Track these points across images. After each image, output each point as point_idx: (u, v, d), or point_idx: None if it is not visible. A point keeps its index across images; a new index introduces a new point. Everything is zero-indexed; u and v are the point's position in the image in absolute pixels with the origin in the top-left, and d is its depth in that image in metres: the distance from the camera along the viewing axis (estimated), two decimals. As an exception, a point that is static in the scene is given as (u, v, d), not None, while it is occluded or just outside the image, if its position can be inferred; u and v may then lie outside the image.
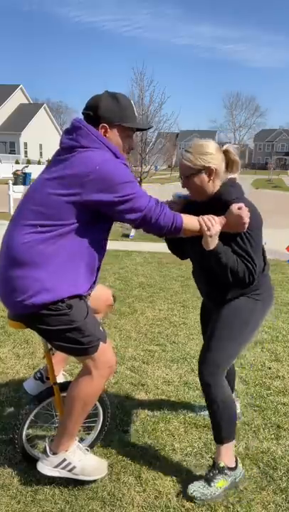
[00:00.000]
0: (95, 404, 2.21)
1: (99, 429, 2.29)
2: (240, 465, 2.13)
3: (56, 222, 1.73)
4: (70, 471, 2.00)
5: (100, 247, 1.88)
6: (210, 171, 1.93)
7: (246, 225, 1.86)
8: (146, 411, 2.72)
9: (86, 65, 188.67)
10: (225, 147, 1.99)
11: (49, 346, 2.05)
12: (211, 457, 2.30)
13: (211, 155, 1.92)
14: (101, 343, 1.88)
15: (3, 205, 13.20)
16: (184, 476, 2.17)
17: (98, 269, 1.93)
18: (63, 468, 1.99)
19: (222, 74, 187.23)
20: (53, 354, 2.15)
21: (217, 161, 1.93)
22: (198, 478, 2.09)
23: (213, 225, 1.85)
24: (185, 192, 2.12)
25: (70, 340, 1.82)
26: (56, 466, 1.99)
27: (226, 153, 1.98)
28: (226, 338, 2.00)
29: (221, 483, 2.00)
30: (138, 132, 11.06)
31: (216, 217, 1.88)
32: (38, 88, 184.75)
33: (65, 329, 1.80)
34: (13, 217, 1.88)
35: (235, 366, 2.60)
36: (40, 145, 50.48)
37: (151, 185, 27.49)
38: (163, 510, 1.97)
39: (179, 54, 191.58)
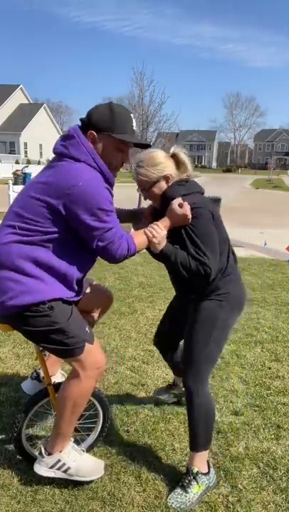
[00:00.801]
0: (95, 406, 2.21)
1: (99, 430, 2.29)
2: (212, 469, 2.13)
3: (34, 227, 1.73)
4: (64, 471, 2.01)
5: (82, 260, 1.87)
6: (166, 178, 2.02)
7: (189, 218, 1.91)
8: (146, 411, 2.72)
9: (86, 65, 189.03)
10: (172, 151, 2.06)
11: (41, 348, 2.05)
12: (211, 456, 2.30)
13: (163, 164, 2.01)
14: (88, 344, 1.87)
15: (3, 205, 13.19)
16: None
17: (82, 280, 1.94)
18: (58, 469, 2.00)
19: (222, 74, 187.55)
20: (45, 355, 2.15)
21: (169, 167, 2.02)
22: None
23: (158, 231, 1.92)
24: None
25: (54, 342, 1.82)
26: (51, 467, 2.00)
27: (174, 157, 2.06)
28: (199, 344, 2.04)
29: (196, 488, 2.01)
30: (138, 132, 11.06)
31: (158, 223, 1.95)
32: (38, 88, 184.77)
33: (47, 330, 1.79)
34: (5, 217, 1.89)
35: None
36: (40, 145, 50.48)
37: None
38: (163, 510, 1.97)
39: (179, 54, 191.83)
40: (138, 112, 10.98)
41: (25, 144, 48.21)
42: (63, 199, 1.68)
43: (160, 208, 2.06)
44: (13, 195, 12.62)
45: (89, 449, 2.27)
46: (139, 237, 1.91)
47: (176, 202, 1.94)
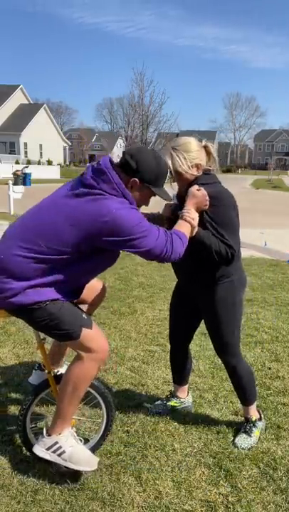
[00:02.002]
0: (101, 406, 2.23)
1: (102, 432, 2.29)
2: (262, 415, 2.57)
3: (55, 249, 1.84)
4: (59, 455, 2.04)
5: (91, 274, 2.04)
6: (197, 166, 2.18)
7: (207, 199, 2.10)
8: (146, 411, 2.72)
9: (87, 65, 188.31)
10: (203, 143, 2.24)
11: (41, 336, 2.14)
12: (211, 455, 2.31)
13: (197, 151, 2.18)
14: (87, 329, 1.97)
15: (3, 205, 13.20)
16: (184, 476, 2.17)
17: (84, 286, 2.11)
18: (54, 451, 2.04)
19: (224, 75, 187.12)
20: (45, 343, 2.21)
21: (201, 157, 2.19)
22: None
23: (193, 215, 2.07)
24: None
25: (51, 328, 1.95)
26: (48, 449, 2.04)
27: (205, 148, 2.24)
28: (226, 324, 2.32)
29: (257, 432, 2.47)
30: (138, 132, 11.08)
31: (187, 208, 2.08)
32: (38, 88, 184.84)
33: (43, 319, 1.92)
34: (17, 224, 1.96)
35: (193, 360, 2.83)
36: (40, 145, 50.49)
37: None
38: (163, 510, 1.97)
39: (181, 55, 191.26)
40: (138, 113, 10.99)
41: (26, 144, 48.21)
42: (99, 230, 1.79)
43: (185, 193, 2.18)
44: (13, 195, 12.64)
45: (93, 451, 2.27)
46: (183, 227, 2.03)
47: (194, 187, 2.12)
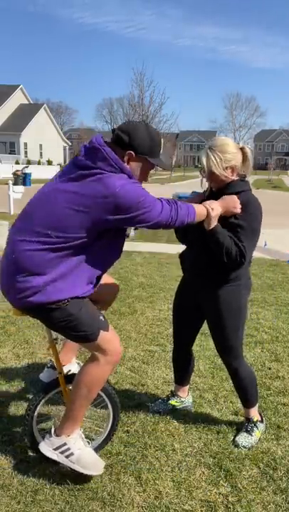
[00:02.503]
0: (107, 407, 2.23)
1: (107, 433, 2.29)
2: (263, 418, 2.60)
3: (64, 236, 1.80)
4: (67, 457, 2.03)
5: (106, 259, 1.98)
6: (232, 168, 2.20)
7: (237, 210, 2.15)
8: (146, 411, 2.72)
9: (87, 65, 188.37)
10: (241, 145, 2.26)
11: (54, 336, 2.13)
12: (211, 455, 2.31)
13: (234, 153, 2.19)
14: (104, 331, 1.96)
15: (3, 205, 13.20)
16: (184, 476, 2.17)
17: (100, 277, 2.03)
18: (62, 452, 2.03)
19: (223, 74, 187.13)
20: (57, 343, 2.19)
21: (237, 159, 2.21)
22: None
23: (214, 208, 2.11)
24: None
25: (69, 329, 1.93)
26: (56, 449, 2.03)
27: (242, 150, 2.25)
28: (231, 327, 2.34)
29: (258, 433, 2.48)
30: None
31: (214, 202, 2.13)
32: (38, 88, 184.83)
33: (61, 320, 1.90)
34: (19, 220, 1.93)
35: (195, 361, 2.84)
36: (40, 145, 50.46)
37: (152, 185, 27.50)
38: (163, 510, 1.97)
39: (181, 55, 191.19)
40: (138, 113, 10.97)
41: (26, 144, 48.18)
42: (103, 208, 1.77)
43: (216, 192, 2.26)
44: (13, 196, 12.63)
45: (96, 451, 2.27)
46: (198, 208, 2.06)
47: (233, 196, 2.18)
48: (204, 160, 2.17)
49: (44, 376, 2.56)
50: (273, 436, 2.51)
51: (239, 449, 2.38)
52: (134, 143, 1.88)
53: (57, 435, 2.05)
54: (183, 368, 2.72)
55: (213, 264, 2.25)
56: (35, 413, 2.16)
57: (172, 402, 2.74)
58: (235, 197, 2.18)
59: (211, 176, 2.22)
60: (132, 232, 9.59)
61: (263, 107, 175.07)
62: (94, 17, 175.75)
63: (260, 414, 2.57)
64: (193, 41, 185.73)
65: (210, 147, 2.18)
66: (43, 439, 2.13)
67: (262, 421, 2.56)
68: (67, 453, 2.03)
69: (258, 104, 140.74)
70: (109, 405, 2.24)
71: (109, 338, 1.98)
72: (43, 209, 1.86)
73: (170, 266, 6.75)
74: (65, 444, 2.03)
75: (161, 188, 28.30)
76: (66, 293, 1.85)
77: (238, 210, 2.16)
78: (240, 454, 2.35)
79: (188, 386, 2.80)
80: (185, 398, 2.77)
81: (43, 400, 2.17)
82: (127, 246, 7.81)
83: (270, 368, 3.37)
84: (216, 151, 2.15)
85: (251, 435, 2.45)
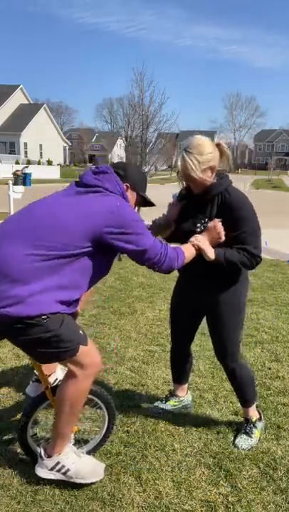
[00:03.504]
0: (101, 409, 2.22)
1: (103, 433, 2.29)
2: (262, 415, 2.58)
3: (58, 246, 1.79)
4: (64, 474, 2.02)
5: (92, 278, 1.95)
6: (212, 168, 2.13)
7: (221, 237, 2.14)
8: (146, 411, 2.72)
9: (87, 65, 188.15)
10: (216, 141, 2.20)
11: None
12: (211, 455, 2.31)
13: (211, 153, 2.11)
14: (83, 346, 1.89)
15: (3, 205, 13.20)
16: (184, 476, 2.17)
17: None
18: (58, 471, 2.02)
19: (224, 74, 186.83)
20: None
21: (216, 158, 2.14)
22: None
23: (200, 239, 2.14)
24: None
25: (47, 347, 1.83)
26: (51, 469, 2.01)
27: (218, 146, 2.18)
28: (231, 329, 2.34)
29: (257, 433, 2.47)
30: (138, 132, 11.07)
31: (199, 237, 2.16)
32: (38, 88, 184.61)
33: (39, 338, 1.79)
34: (8, 224, 1.88)
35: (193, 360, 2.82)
36: (40, 145, 50.46)
37: (152, 186, 27.48)
38: (163, 510, 1.97)
39: (182, 55, 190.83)
40: (138, 113, 10.96)
41: (26, 144, 48.19)
42: (103, 223, 1.84)
43: (198, 194, 2.21)
44: (13, 196, 12.63)
45: (92, 452, 2.27)
46: (187, 250, 2.13)
47: (213, 224, 2.15)
48: (180, 163, 2.12)
49: (30, 390, 2.49)
50: (273, 436, 2.51)
51: (239, 449, 2.38)
52: (128, 176, 2.06)
53: (48, 456, 2.02)
54: (181, 367, 2.71)
55: (208, 269, 2.21)
56: (28, 429, 2.11)
57: (171, 402, 2.73)
58: (216, 224, 2.13)
59: (189, 180, 2.17)
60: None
61: (263, 107, 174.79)
62: (95, 17, 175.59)
63: (259, 412, 2.57)
64: (194, 41, 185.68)
65: (186, 149, 2.10)
66: (39, 447, 2.12)
67: (260, 419, 2.55)
68: (63, 470, 2.01)
69: (258, 104, 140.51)
70: (103, 406, 2.22)
71: (87, 351, 1.90)
72: (41, 218, 1.84)
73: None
74: (58, 462, 2.01)
75: (161, 188, 28.29)
76: (49, 307, 1.77)
77: (222, 238, 2.13)
78: (240, 454, 2.35)
79: (186, 385, 2.79)
80: (184, 397, 2.76)
81: (32, 417, 2.12)
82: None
83: (270, 368, 3.37)
84: (192, 153, 2.07)
85: (251, 437, 2.44)
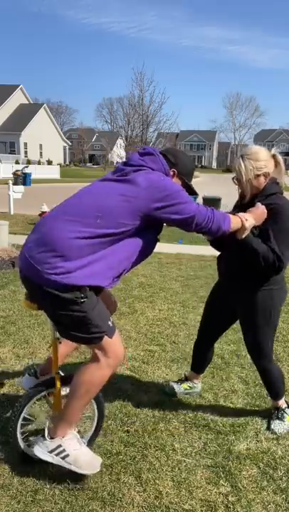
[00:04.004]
0: (91, 403, 2.22)
1: (94, 427, 2.29)
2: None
3: (108, 223, 1.87)
4: (63, 458, 2.02)
5: (136, 256, 2.02)
6: (265, 175, 2.28)
7: (264, 215, 2.23)
8: (146, 411, 2.72)
9: (88, 65, 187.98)
10: (272, 152, 2.34)
11: (57, 335, 2.10)
12: (210, 455, 2.31)
13: (266, 161, 2.27)
14: (110, 335, 1.94)
15: (3, 205, 13.20)
16: (184, 476, 2.17)
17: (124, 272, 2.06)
18: (57, 454, 2.02)
19: (224, 74, 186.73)
20: (60, 343, 2.17)
21: (270, 166, 2.29)
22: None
23: (248, 219, 2.18)
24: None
25: (77, 327, 1.91)
26: (51, 452, 2.02)
27: (274, 157, 2.33)
28: (263, 332, 2.44)
29: (288, 417, 2.62)
30: (138, 132, 11.07)
31: (246, 214, 2.21)
32: (38, 88, 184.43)
33: (74, 316, 1.87)
34: (60, 206, 1.97)
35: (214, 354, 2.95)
36: (40, 145, 50.47)
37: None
38: (163, 510, 1.97)
39: (183, 55, 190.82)
40: (138, 112, 10.97)
41: (26, 144, 48.21)
42: (150, 198, 1.91)
43: (250, 199, 2.33)
44: (13, 195, 12.63)
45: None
46: (234, 217, 2.16)
47: (260, 204, 2.24)
48: (236, 168, 2.28)
49: (25, 383, 2.51)
50: (273, 436, 2.51)
51: (239, 449, 2.38)
52: (179, 164, 2.13)
53: (51, 437, 2.03)
54: (202, 358, 2.85)
55: (246, 269, 2.33)
56: (19, 420, 2.12)
57: (184, 385, 2.91)
58: (263, 207, 2.23)
59: (242, 184, 2.30)
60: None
61: (264, 106, 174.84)
62: (98, 17, 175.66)
63: (286, 402, 2.70)
64: (195, 41, 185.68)
65: (242, 155, 2.27)
66: (26, 445, 2.13)
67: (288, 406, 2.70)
68: (62, 454, 2.02)
69: (258, 104, 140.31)
70: (94, 402, 2.22)
71: (113, 341, 1.97)
72: (92, 197, 1.94)
73: (170, 266, 6.75)
74: (59, 445, 2.02)
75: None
76: (92, 280, 1.86)
77: (265, 216, 2.23)
78: (240, 453, 2.35)
79: (201, 375, 2.96)
80: (197, 384, 2.93)
81: (26, 407, 2.13)
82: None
83: (270, 368, 3.37)
84: (248, 159, 2.25)
85: (283, 421, 2.60)
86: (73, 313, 1.86)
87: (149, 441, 2.44)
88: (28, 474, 2.14)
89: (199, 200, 11.13)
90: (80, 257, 1.84)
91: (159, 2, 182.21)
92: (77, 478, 2.10)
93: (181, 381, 2.94)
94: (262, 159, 2.24)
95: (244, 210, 2.26)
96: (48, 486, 2.07)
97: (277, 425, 2.58)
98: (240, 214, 2.20)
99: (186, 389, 2.90)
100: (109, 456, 2.30)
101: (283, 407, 2.65)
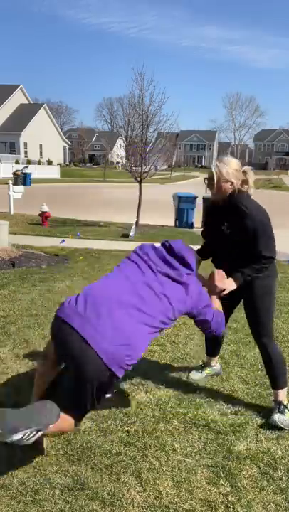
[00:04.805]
0: None
1: None
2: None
3: (164, 326, 2.18)
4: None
5: None
6: (232, 183, 2.55)
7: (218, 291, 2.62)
8: (146, 411, 2.72)
9: (88, 65, 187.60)
10: (244, 168, 2.61)
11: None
12: (210, 455, 2.31)
13: (236, 171, 2.55)
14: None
15: (3, 205, 13.21)
16: (184, 476, 2.17)
17: None
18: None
19: (224, 74, 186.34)
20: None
21: (238, 177, 2.56)
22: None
23: (227, 285, 2.63)
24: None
25: (94, 399, 2.03)
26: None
27: (244, 172, 2.60)
28: (265, 313, 2.72)
29: (288, 413, 2.68)
30: (138, 132, 11.06)
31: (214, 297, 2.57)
32: (38, 88, 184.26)
33: (96, 396, 2.03)
34: (117, 296, 2.10)
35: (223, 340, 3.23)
36: (40, 145, 50.47)
37: (152, 185, 27.48)
38: (163, 510, 1.97)
39: (183, 55, 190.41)
40: (138, 112, 10.95)
41: (25, 144, 48.20)
42: (195, 308, 2.32)
43: (225, 208, 2.64)
44: (13, 195, 12.63)
45: None
46: (218, 305, 2.59)
47: (217, 272, 2.65)
48: (210, 170, 2.57)
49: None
50: (273, 436, 2.51)
51: (239, 449, 2.38)
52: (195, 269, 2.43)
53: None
54: (215, 342, 3.11)
55: (244, 263, 2.66)
56: None
57: (206, 371, 3.17)
58: (221, 273, 2.64)
59: (216, 185, 2.56)
60: (132, 232, 9.59)
61: (264, 106, 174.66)
62: (98, 17, 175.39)
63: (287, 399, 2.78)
64: (195, 42, 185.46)
65: (222, 161, 2.56)
66: None
67: None
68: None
69: (258, 104, 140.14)
70: None
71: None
72: (155, 298, 2.15)
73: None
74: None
75: (161, 188, 28.29)
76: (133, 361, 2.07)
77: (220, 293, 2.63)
78: (240, 453, 2.35)
79: (218, 356, 3.23)
80: (216, 365, 3.21)
81: None
82: (127, 246, 7.77)
83: (270, 368, 3.37)
84: (221, 163, 2.54)
85: (284, 415, 2.64)
86: (100, 393, 2.03)
87: (149, 441, 2.44)
88: (28, 474, 2.14)
89: (199, 200, 11.14)
90: (139, 346, 2.06)
91: (159, 2, 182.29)
92: (77, 478, 2.11)
93: (202, 368, 3.17)
94: (232, 167, 2.53)
95: (219, 211, 2.68)
96: (48, 486, 2.07)
97: (280, 417, 2.63)
98: (214, 298, 2.56)
99: (208, 373, 3.16)
100: (109, 456, 2.30)
101: (285, 403, 2.69)
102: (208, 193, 2.72)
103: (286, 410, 2.67)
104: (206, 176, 2.64)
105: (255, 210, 2.57)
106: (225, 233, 2.66)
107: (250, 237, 2.56)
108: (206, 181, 2.61)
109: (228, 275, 2.65)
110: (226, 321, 2.96)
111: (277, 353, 2.71)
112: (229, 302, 2.84)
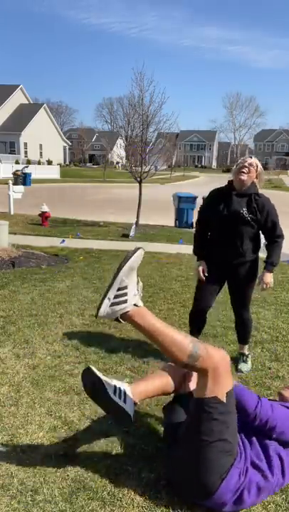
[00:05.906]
0: None
1: None
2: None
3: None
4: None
5: None
6: (257, 174, 3.20)
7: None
8: (146, 411, 2.72)
9: (88, 65, 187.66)
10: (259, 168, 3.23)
11: None
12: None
13: (259, 168, 3.21)
14: None
15: (3, 205, 13.20)
16: (184, 476, 2.17)
17: None
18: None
19: (224, 75, 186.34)
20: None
21: (259, 173, 3.22)
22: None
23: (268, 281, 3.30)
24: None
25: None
26: None
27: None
28: (250, 291, 3.35)
29: (250, 361, 3.47)
30: (138, 132, 11.07)
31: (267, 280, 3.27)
32: (38, 88, 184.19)
33: None
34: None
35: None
36: (40, 145, 50.47)
37: (151, 185, 27.48)
38: (163, 510, 1.97)
39: (184, 55, 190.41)
40: (138, 112, 10.94)
41: (25, 144, 48.20)
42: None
43: (239, 192, 3.19)
44: (13, 195, 12.63)
45: None
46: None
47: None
48: (251, 161, 3.15)
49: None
50: (273, 436, 2.51)
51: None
52: None
53: None
54: (198, 326, 3.49)
55: (240, 254, 3.21)
56: None
57: (249, 359, 3.55)
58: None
59: (247, 176, 3.13)
60: (132, 232, 9.60)
61: (264, 106, 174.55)
62: (99, 18, 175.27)
63: (248, 348, 3.54)
64: (196, 42, 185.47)
65: (254, 157, 3.22)
66: None
67: (249, 353, 3.54)
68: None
69: (258, 104, 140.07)
70: None
71: None
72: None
73: (170, 266, 6.75)
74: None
75: (161, 188, 28.28)
76: None
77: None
78: (240, 453, 2.35)
79: (199, 336, 3.54)
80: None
81: None
82: (127, 246, 7.74)
83: (270, 368, 3.37)
84: (258, 165, 3.21)
85: (247, 363, 3.42)
86: None
87: (150, 441, 2.44)
88: (28, 474, 2.14)
89: (199, 200, 11.13)
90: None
91: (159, 2, 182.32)
92: (77, 478, 2.10)
93: (244, 359, 3.49)
94: (260, 166, 3.22)
95: (236, 196, 3.16)
96: (48, 486, 2.07)
97: (244, 366, 3.37)
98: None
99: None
100: (110, 456, 2.30)
101: (247, 353, 3.47)
102: (206, 194, 3.11)
103: (248, 360, 3.44)
104: (247, 162, 3.11)
105: (267, 198, 3.23)
106: (245, 218, 3.11)
107: (268, 219, 3.18)
108: (247, 169, 3.09)
109: (220, 260, 3.27)
110: (206, 310, 3.44)
111: (250, 319, 3.46)
112: (215, 285, 3.36)
